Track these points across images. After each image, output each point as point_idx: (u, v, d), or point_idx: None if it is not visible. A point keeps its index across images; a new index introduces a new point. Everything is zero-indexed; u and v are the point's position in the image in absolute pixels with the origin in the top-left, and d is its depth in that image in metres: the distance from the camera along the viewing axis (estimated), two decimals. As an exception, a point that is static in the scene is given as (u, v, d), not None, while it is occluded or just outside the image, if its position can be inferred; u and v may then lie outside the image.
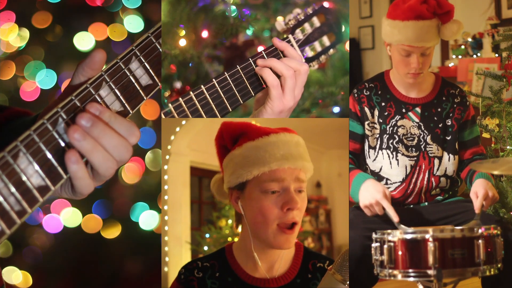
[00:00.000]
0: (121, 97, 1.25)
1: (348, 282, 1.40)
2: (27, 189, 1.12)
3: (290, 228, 1.52)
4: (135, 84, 1.27)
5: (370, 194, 2.16)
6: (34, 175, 1.13)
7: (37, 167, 1.13)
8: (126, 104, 1.26)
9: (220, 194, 1.64)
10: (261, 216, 1.51)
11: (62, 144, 1.17)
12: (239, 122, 1.59)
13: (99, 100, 1.23)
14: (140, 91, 1.28)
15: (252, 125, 1.59)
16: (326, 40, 1.70)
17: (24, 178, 1.12)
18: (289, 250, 1.61)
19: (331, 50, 1.71)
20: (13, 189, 1.10)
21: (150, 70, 1.29)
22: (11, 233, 1.09)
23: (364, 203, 2.17)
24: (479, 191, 2.14)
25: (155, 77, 1.29)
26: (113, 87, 1.25)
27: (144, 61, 1.28)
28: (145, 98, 1.28)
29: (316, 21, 1.69)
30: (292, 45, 1.65)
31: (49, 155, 1.15)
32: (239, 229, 1.63)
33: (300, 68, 1.58)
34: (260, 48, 2.34)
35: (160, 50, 1.30)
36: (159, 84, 1.30)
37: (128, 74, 1.27)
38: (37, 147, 1.14)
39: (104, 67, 1.26)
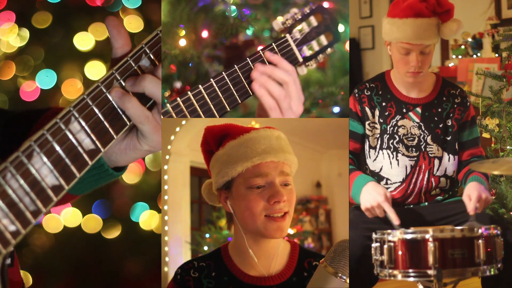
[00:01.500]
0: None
1: (340, 275, 1.39)
2: (42, 189, 1.12)
3: (281, 217, 1.53)
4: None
5: (372, 197, 2.16)
6: (48, 175, 1.13)
7: (51, 166, 1.13)
8: None
9: (211, 198, 1.66)
10: (248, 210, 1.53)
11: (75, 143, 1.17)
12: (221, 125, 1.61)
13: (110, 99, 1.24)
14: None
15: (234, 125, 1.61)
16: (323, 39, 1.70)
17: (38, 177, 1.11)
18: (284, 249, 1.63)
19: (329, 49, 1.71)
20: (28, 189, 1.10)
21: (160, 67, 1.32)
22: (26, 233, 1.09)
23: (365, 205, 2.17)
24: (472, 194, 2.14)
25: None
26: (124, 84, 1.26)
27: (153, 58, 1.31)
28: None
29: (313, 21, 1.69)
30: (289, 44, 1.66)
31: (63, 155, 1.15)
32: (232, 230, 1.65)
33: (287, 80, 1.60)
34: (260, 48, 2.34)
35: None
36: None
37: (139, 72, 1.29)
38: (50, 146, 1.14)
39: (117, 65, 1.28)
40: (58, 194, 1.14)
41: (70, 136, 1.17)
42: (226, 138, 1.59)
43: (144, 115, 1.27)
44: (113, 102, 1.24)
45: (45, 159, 1.12)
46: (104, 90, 1.23)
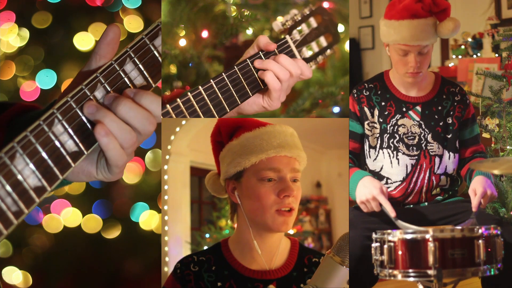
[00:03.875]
0: None
1: (347, 263, 1.43)
2: (24, 189, 1.12)
3: (288, 211, 1.57)
4: (130, 85, 1.28)
5: (367, 190, 2.16)
6: (30, 176, 1.13)
7: (33, 168, 1.14)
8: None
9: (215, 189, 1.69)
10: (259, 202, 1.55)
11: (58, 145, 1.18)
12: (235, 118, 1.64)
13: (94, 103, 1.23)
14: None
15: (248, 119, 1.64)
16: (323, 41, 1.70)
17: (21, 179, 1.12)
18: (285, 245, 1.65)
19: (329, 51, 1.72)
20: (10, 190, 1.10)
21: (145, 72, 1.29)
22: (8, 233, 1.10)
23: (360, 198, 2.17)
24: (477, 189, 2.13)
25: (149, 78, 1.30)
26: (108, 88, 1.25)
27: (138, 62, 1.29)
28: None
29: (313, 22, 1.69)
30: (289, 46, 1.66)
31: (46, 156, 1.16)
32: (235, 221, 1.67)
33: (295, 72, 1.57)
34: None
35: (154, 52, 1.30)
36: (153, 85, 1.31)
37: (123, 76, 1.27)
38: (33, 148, 1.14)
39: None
40: (40, 196, 1.14)
41: (53, 138, 1.17)
42: (239, 129, 1.61)
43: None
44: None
45: (28, 160, 1.13)
46: (88, 93, 1.23)
